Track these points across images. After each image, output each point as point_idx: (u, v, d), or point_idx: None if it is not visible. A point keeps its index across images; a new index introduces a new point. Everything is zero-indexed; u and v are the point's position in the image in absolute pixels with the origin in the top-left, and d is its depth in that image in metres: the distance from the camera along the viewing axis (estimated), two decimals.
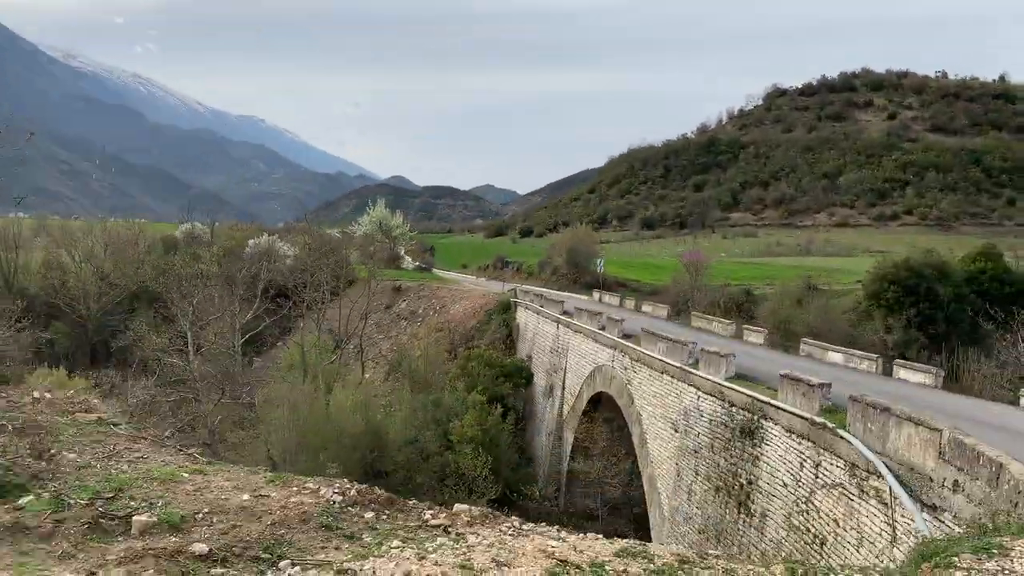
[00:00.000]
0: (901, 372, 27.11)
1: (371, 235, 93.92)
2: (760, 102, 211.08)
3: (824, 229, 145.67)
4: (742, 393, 23.28)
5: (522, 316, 58.66)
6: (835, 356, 30.94)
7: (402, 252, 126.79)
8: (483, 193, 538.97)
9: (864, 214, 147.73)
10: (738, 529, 22.59)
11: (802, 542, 19.02)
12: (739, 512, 22.66)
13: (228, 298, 47.00)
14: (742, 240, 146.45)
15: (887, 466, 15.34)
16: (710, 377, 25.66)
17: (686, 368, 27.74)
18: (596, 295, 64.95)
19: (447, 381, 48.28)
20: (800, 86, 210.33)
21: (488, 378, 47.96)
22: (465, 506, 9.25)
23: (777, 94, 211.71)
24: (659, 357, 30.53)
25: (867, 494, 16.28)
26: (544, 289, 66.63)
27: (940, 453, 13.62)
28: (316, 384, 46.73)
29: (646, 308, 53.26)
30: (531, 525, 8.94)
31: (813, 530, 18.59)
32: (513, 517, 9.00)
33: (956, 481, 12.84)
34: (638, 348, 33.13)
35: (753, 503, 21.98)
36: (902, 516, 14.78)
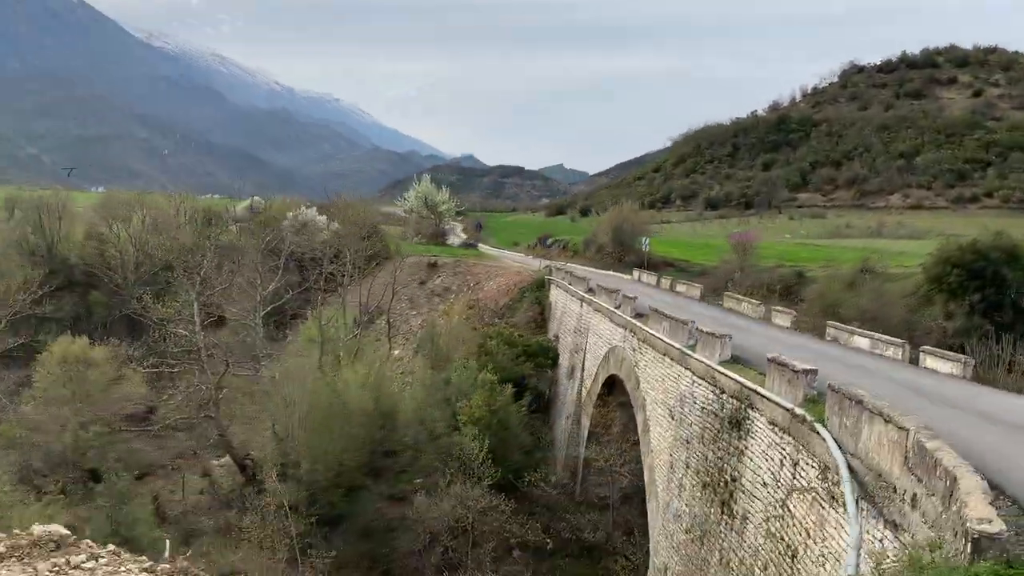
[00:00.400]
0: (928, 360, 23.93)
1: (417, 210, 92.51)
2: (835, 79, 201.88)
3: (897, 211, 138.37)
4: (731, 378, 20.63)
5: (554, 294, 56.35)
6: (861, 341, 27.80)
7: (459, 229, 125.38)
8: (553, 173, 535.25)
9: (941, 196, 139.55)
10: (720, 531, 20.02)
11: (776, 552, 16.41)
12: (722, 512, 20.08)
13: (238, 269, 45.86)
14: (809, 221, 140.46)
15: (855, 471, 12.68)
16: (704, 360, 23.03)
17: (684, 350, 25.12)
18: (636, 274, 62.31)
19: (461, 359, 46.29)
20: (879, 63, 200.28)
21: (508, 357, 45.81)
22: (43, 528, 7.00)
23: (854, 71, 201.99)
24: (661, 338, 27.94)
25: (837, 502, 13.63)
26: (577, 266, 64.12)
27: (905, 458, 10.94)
28: (329, 360, 45.42)
29: (680, 288, 50.31)
30: (105, 559, 6.57)
31: (787, 539, 15.97)
32: (108, 547, 6.69)
33: (915, 495, 10.18)
34: (645, 328, 30.56)
35: (735, 503, 19.38)
36: (867, 533, 12.13)
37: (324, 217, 73.89)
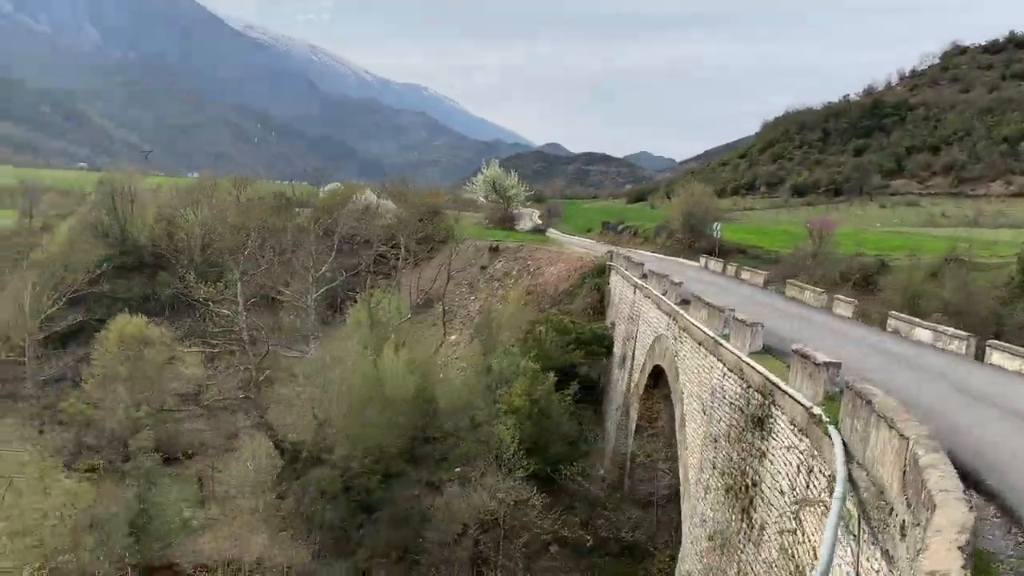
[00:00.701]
0: (994, 356, 21.16)
1: (485, 195, 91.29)
2: (936, 61, 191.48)
3: (999, 199, 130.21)
4: (757, 371, 18.48)
5: (613, 280, 54.28)
6: (923, 333, 25.06)
7: (536, 215, 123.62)
8: (639, 160, 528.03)
9: None
10: (739, 541, 17.95)
11: (787, 571, 14.33)
12: (742, 520, 18.01)
13: (291, 250, 45.37)
14: (902, 209, 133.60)
15: (856, 484, 10.59)
16: (734, 350, 20.87)
17: (717, 339, 22.96)
18: (703, 260, 59.70)
19: (507, 345, 44.74)
20: (984, 43, 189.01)
21: (557, 344, 44.05)
22: None
23: (956, 52, 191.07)
24: (699, 326, 25.78)
25: (845, 520, 11.51)
26: (643, 252, 61.85)
27: (904, 473, 8.85)
28: (375, 343, 44.52)
29: (745, 275, 47.62)
30: None
31: (797, 558, 13.88)
32: None
33: (904, 522, 8.12)
34: (685, 315, 28.41)
35: (755, 511, 17.30)
36: (867, 561, 10.04)
37: (387, 201, 73.40)
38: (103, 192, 75.18)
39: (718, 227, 70.53)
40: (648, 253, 70.84)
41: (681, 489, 26.57)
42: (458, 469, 38.55)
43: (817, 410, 13.99)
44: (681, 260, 64.76)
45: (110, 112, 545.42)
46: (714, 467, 21.18)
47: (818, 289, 36.40)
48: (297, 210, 72.80)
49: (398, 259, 53.06)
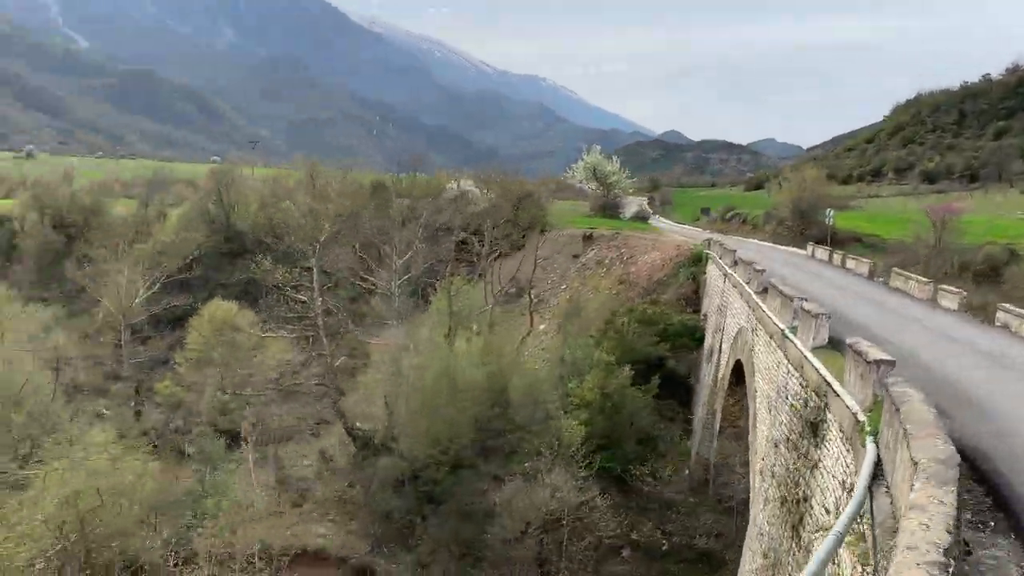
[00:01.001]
0: None
1: (586, 182, 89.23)
2: None
3: None
4: (815, 369, 16.15)
5: (709, 269, 51.44)
6: None
7: (645, 203, 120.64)
8: (763, 147, 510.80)
9: None
10: (788, 563, 15.72)
11: None
12: (792, 539, 15.77)
13: (377, 239, 44.93)
14: None
15: (873, 510, 8.47)
16: (798, 344, 18.51)
17: (786, 332, 20.56)
18: (810, 249, 56.10)
19: (585, 336, 42.86)
20: None
21: (640, 336, 41.84)
22: None
23: None
24: (771, 317, 23.34)
25: (870, 555, 9.38)
26: (744, 239, 58.68)
27: None
28: (449, 332, 43.54)
29: (850, 264, 44.10)
30: None
31: None
32: None
33: None
34: (761, 305, 25.93)
35: (804, 529, 15.04)
36: None
37: (475, 189, 72.47)
38: (213, 181, 77.73)
39: (831, 214, 66.24)
40: (754, 241, 67.38)
41: (750, 496, 24.25)
42: (527, 464, 37.10)
43: (862, 417, 11.74)
44: (789, 248, 61.34)
45: (243, 107, 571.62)
46: (772, 475, 18.90)
47: (923, 279, 32.91)
48: (396, 200, 72.86)
49: (483, 246, 51.94)
